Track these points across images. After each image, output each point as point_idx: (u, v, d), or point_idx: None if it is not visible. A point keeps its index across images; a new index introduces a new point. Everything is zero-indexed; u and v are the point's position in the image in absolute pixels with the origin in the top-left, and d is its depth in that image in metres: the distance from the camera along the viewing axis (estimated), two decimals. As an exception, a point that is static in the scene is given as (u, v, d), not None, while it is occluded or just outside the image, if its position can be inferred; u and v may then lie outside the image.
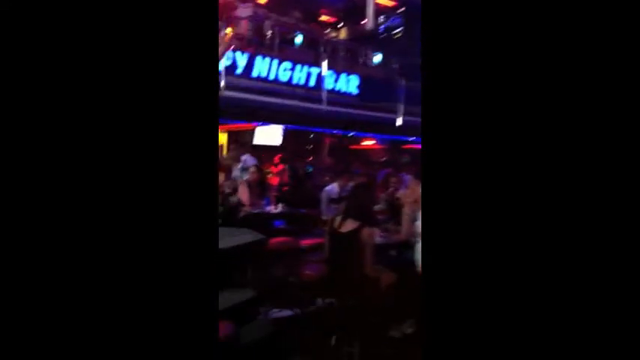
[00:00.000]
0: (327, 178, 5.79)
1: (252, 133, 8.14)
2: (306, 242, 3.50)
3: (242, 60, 6.42)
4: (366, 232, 2.63)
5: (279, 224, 4.37)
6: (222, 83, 5.75)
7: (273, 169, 6.32)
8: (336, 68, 7.72)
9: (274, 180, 5.83)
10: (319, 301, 2.74)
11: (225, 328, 2.02)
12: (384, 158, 9.67)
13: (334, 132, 8.86)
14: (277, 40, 7.11)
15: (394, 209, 3.68)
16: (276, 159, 6.64)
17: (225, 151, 7.42)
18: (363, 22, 9.88)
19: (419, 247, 2.58)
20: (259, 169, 4.87)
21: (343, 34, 9.61)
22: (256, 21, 6.99)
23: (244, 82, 6.35)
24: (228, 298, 2.59)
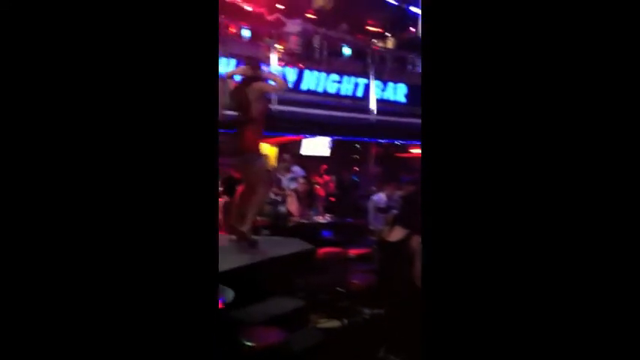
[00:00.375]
0: (374, 188, 5.79)
1: (300, 144, 8.30)
2: (354, 252, 3.53)
3: (292, 75, 6.61)
4: (416, 240, 2.62)
5: (327, 234, 4.42)
6: (274, 97, 5.95)
7: (319, 180, 6.41)
8: (384, 77, 7.72)
9: (321, 190, 5.91)
10: (367, 311, 2.75)
11: (274, 335, 2.09)
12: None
13: (382, 141, 8.83)
14: (325, 53, 7.24)
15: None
16: (322, 169, 6.73)
17: (272, 162, 7.62)
18: (410, 30, 9.81)
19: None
20: (308, 179, 4.97)
21: (390, 43, 9.59)
22: (305, 36, 7.17)
23: (294, 95, 6.53)
24: (277, 306, 2.67)
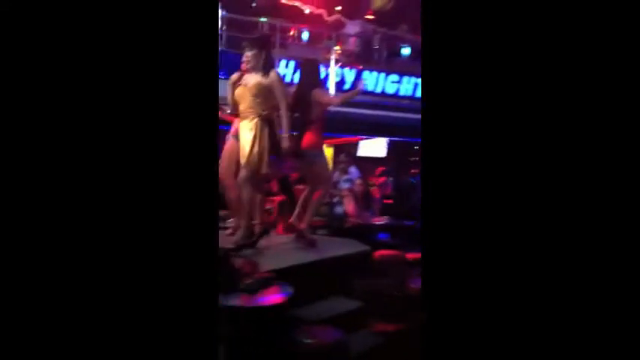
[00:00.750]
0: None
1: (357, 145, 8.28)
2: (411, 256, 3.45)
3: (350, 76, 6.61)
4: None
5: (384, 236, 4.36)
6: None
7: (376, 181, 6.34)
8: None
9: (377, 192, 5.85)
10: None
11: (331, 335, 2.09)
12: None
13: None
14: (384, 54, 7.16)
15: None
16: (378, 171, 6.65)
17: (330, 164, 7.65)
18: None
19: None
20: (365, 180, 4.94)
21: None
22: (364, 37, 7.14)
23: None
24: (333, 306, 2.67)
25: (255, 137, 2.68)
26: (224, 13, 5.70)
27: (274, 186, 4.23)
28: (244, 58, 2.80)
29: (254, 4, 6.91)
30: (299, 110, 3.07)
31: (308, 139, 3.01)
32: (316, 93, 3.03)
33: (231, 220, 3.33)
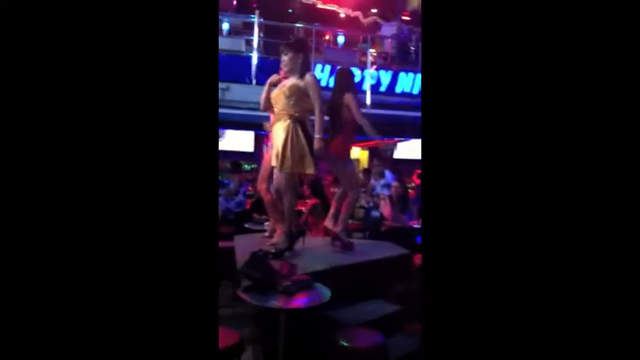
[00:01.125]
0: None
1: (393, 147, 8.19)
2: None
3: (386, 78, 6.56)
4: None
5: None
6: (368, 102, 5.97)
7: (415, 182, 6.23)
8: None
9: (415, 194, 5.76)
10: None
11: (370, 338, 2.07)
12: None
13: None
14: (421, 54, 7.06)
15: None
16: (417, 173, 6.54)
17: (363, 166, 7.60)
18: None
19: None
20: (402, 183, 4.88)
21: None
22: (401, 38, 7.07)
23: (388, 98, 6.46)
24: (372, 310, 2.65)
25: (287, 138, 2.68)
26: (261, 20, 5.83)
27: (305, 190, 4.25)
28: (282, 63, 2.84)
29: (291, 10, 7.01)
30: (330, 115, 3.08)
31: (335, 145, 3.01)
32: (347, 97, 3.04)
33: (268, 223, 3.38)
